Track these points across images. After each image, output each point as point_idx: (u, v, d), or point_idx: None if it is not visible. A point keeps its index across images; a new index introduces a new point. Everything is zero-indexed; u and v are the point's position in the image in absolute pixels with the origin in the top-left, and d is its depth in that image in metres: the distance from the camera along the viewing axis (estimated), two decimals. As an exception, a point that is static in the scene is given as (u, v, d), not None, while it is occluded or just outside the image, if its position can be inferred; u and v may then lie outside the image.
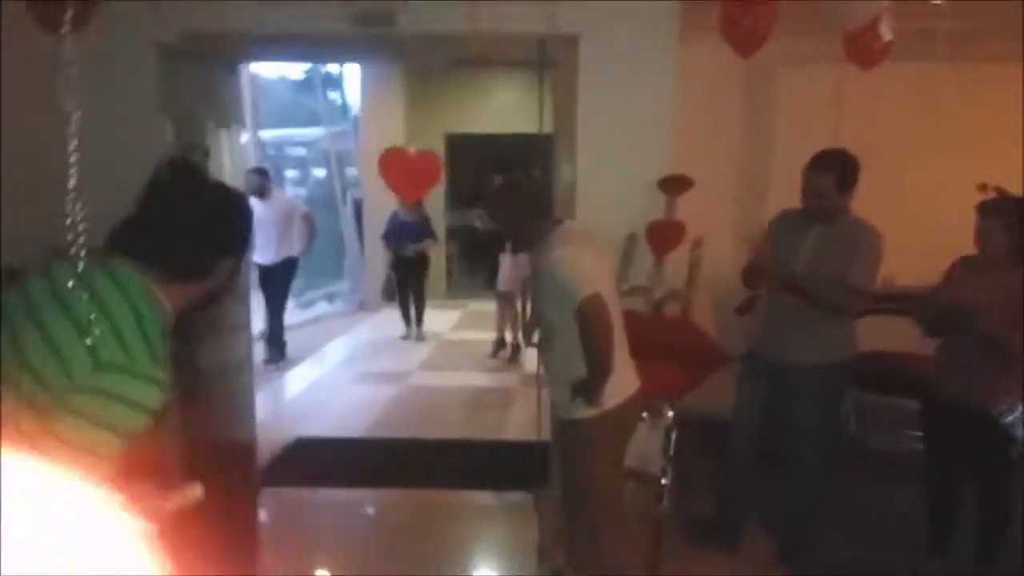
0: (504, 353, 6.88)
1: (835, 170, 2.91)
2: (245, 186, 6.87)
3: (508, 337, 6.88)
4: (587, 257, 2.53)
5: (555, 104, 3.84)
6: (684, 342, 3.30)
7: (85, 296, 1.21)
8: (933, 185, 4.42)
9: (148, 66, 3.26)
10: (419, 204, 6.91)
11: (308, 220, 6.63)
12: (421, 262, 7.46)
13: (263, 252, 6.38)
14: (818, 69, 4.40)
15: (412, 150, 2.57)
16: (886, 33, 3.38)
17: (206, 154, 3.49)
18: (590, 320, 2.44)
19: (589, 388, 2.53)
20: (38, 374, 1.18)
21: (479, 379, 6.39)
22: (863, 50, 3.51)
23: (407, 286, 7.53)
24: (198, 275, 1.38)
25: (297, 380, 6.37)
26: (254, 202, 6.31)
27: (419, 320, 7.66)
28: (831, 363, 3.00)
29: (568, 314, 2.47)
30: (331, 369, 6.75)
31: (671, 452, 3.44)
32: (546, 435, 4.03)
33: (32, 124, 3.41)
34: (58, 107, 1.20)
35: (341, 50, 3.93)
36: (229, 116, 3.82)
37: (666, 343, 3.09)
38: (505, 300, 6.74)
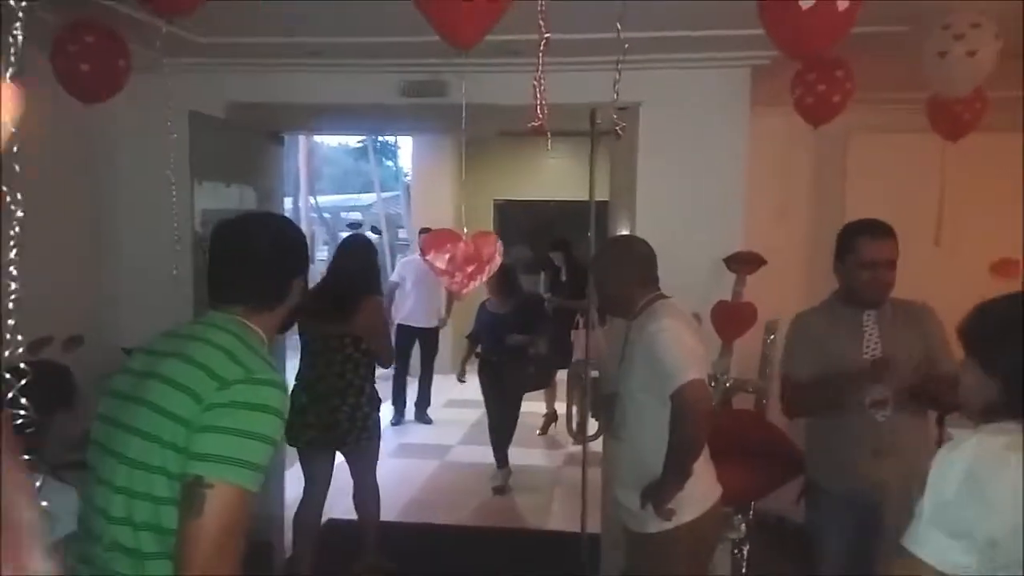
0: (554, 428, 6.59)
1: (895, 236, 2.41)
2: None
3: (559, 410, 6.57)
4: (692, 337, 2.26)
5: (612, 173, 3.64)
6: (758, 442, 2.94)
7: (198, 343, 1.39)
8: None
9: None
10: (508, 289, 5.12)
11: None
12: (524, 371, 5.20)
13: (421, 314, 6.64)
14: (894, 138, 4.13)
15: (465, 232, 2.38)
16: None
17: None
18: (688, 408, 2.12)
19: (661, 491, 2.19)
20: (171, 414, 1.31)
21: (523, 456, 6.06)
22: (952, 120, 3.23)
23: (502, 406, 5.33)
24: (278, 300, 1.55)
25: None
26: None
27: (501, 457, 5.43)
28: None
29: (659, 398, 2.17)
30: (371, 441, 6.52)
31: (743, 570, 3.07)
32: (592, 527, 3.72)
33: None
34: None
35: (389, 121, 3.82)
36: (271, 184, 3.72)
37: (736, 441, 2.73)
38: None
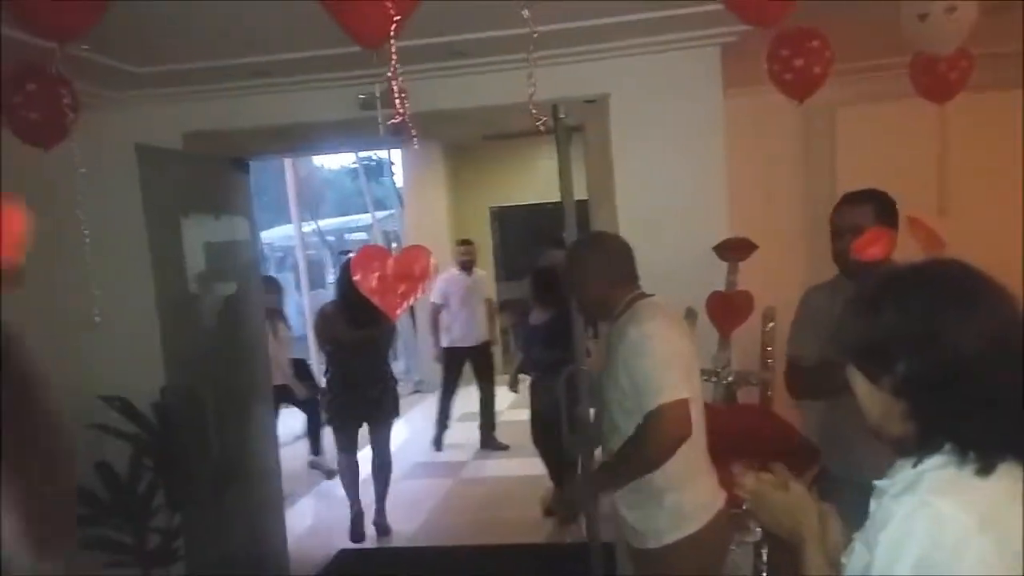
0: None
1: (871, 202, 2.29)
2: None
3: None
4: (680, 342, 2.09)
5: (588, 169, 3.49)
6: (767, 438, 2.78)
7: None
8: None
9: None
10: (552, 299, 4.46)
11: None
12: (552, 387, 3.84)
13: (471, 332, 6.21)
14: (884, 107, 3.96)
15: (395, 248, 2.35)
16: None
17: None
18: (656, 432, 1.98)
19: (582, 489, 2.24)
20: None
21: (537, 465, 5.90)
22: (938, 82, 3.05)
23: (546, 428, 4.36)
24: None
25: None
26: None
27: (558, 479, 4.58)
28: None
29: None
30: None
31: (764, 572, 2.91)
32: (607, 535, 3.56)
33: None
34: None
35: (356, 137, 3.69)
36: (236, 211, 3.61)
37: (745, 440, 2.58)
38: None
